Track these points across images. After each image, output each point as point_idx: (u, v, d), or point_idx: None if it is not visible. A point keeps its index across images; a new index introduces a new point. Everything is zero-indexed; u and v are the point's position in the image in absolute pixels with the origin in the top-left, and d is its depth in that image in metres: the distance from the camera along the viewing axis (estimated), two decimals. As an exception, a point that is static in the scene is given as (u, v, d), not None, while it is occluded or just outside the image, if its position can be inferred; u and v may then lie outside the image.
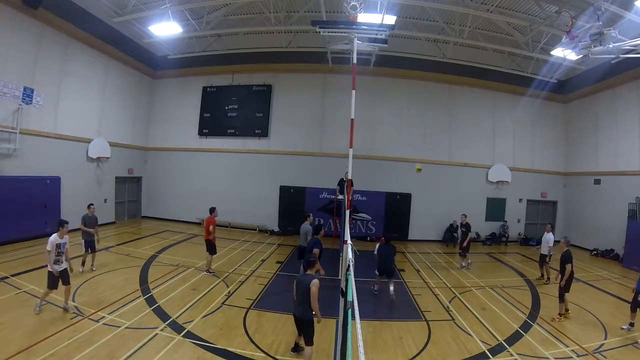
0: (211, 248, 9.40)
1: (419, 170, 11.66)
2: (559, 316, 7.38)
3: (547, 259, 10.16)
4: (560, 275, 7.47)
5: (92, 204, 9.21)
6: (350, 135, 6.06)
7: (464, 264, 11.63)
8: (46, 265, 6.27)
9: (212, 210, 9.50)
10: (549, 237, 10.12)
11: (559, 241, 8.44)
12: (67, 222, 6.56)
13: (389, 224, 16.01)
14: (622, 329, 6.86)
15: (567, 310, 7.48)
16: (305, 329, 4.98)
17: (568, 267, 7.26)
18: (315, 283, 4.80)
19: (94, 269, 8.86)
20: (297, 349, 5.50)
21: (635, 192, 13.05)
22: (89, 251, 8.81)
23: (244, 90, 16.79)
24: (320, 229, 8.39)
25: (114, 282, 8.21)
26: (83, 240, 8.76)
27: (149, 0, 12.44)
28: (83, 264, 8.74)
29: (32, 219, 11.34)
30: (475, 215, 16.34)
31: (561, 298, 7.39)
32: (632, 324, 6.82)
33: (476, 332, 6.68)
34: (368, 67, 14.77)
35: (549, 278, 10.17)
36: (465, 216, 11.88)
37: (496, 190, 16.67)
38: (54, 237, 6.27)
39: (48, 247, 6.17)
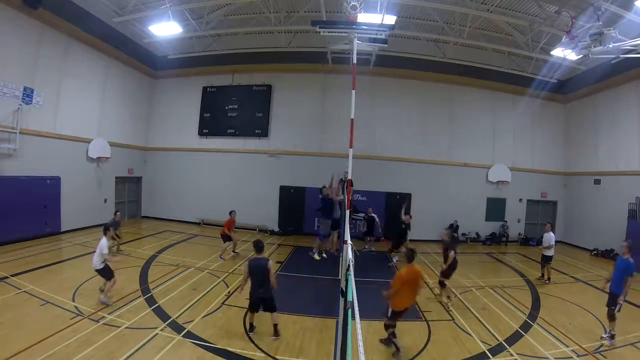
0: (226, 238, 11.14)
1: None
2: (447, 299, 8.01)
3: (549, 259, 10.14)
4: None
5: (118, 211, 11.32)
6: (350, 135, 6.06)
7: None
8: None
9: (231, 212, 11.42)
10: (549, 237, 10.10)
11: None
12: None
13: (388, 224, 15.98)
14: (602, 337, 6.41)
15: (448, 297, 8.06)
16: (271, 303, 5.91)
17: (451, 254, 7.94)
18: (270, 264, 5.91)
19: None
20: (252, 328, 6.12)
21: (635, 192, 13.05)
22: None
23: (244, 90, 16.78)
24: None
25: (114, 282, 8.22)
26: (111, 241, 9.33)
27: (149, 0, 12.45)
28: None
29: (32, 219, 11.37)
30: (475, 215, 16.46)
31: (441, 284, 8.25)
32: (612, 336, 6.30)
33: (476, 332, 6.68)
34: (368, 67, 14.75)
35: (549, 278, 10.18)
36: (371, 209, 13.32)
37: (496, 190, 16.66)
38: (106, 242, 7.05)
39: (105, 251, 6.96)
